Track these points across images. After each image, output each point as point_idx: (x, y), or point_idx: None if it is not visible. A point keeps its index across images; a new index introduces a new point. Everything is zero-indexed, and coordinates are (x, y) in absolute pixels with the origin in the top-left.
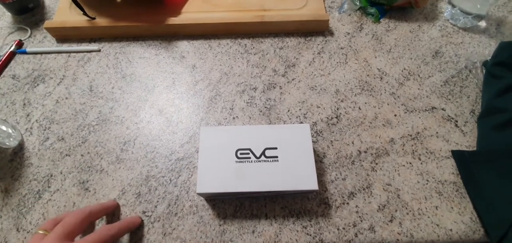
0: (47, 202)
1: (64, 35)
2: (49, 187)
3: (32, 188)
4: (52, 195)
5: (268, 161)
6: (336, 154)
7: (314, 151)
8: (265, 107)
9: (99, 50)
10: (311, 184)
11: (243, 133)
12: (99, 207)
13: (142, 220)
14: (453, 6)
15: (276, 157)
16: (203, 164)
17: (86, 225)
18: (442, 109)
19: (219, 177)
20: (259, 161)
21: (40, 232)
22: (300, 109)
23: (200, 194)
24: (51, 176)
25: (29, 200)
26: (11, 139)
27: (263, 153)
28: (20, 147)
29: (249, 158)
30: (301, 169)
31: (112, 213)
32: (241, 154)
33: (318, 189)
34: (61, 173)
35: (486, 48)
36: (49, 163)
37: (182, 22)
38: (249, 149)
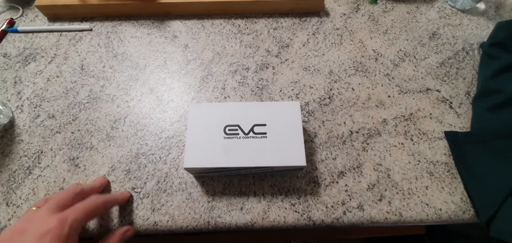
0: (37, 178)
1: (55, 13)
2: (39, 163)
3: (23, 164)
4: (42, 171)
5: (256, 137)
6: (328, 134)
7: (305, 131)
8: (257, 87)
9: (91, 29)
10: (299, 160)
11: (232, 109)
12: (91, 186)
13: (131, 195)
14: None
15: (265, 133)
16: (191, 140)
17: (77, 201)
18: (437, 90)
19: (207, 153)
20: (248, 137)
21: (33, 208)
22: (292, 89)
23: (188, 169)
24: (42, 152)
25: (20, 175)
26: (1, 116)
27: (251, 129)
28: (11, 124)
29: (238, 134)
30: (289, 145)
31: (101, 190)
32: (229, 130)
33: (307, 166)
34: (51, 149)
35: (484, 30)
36: (40, 139)
37: (175, 0)
38: (238, 125)
